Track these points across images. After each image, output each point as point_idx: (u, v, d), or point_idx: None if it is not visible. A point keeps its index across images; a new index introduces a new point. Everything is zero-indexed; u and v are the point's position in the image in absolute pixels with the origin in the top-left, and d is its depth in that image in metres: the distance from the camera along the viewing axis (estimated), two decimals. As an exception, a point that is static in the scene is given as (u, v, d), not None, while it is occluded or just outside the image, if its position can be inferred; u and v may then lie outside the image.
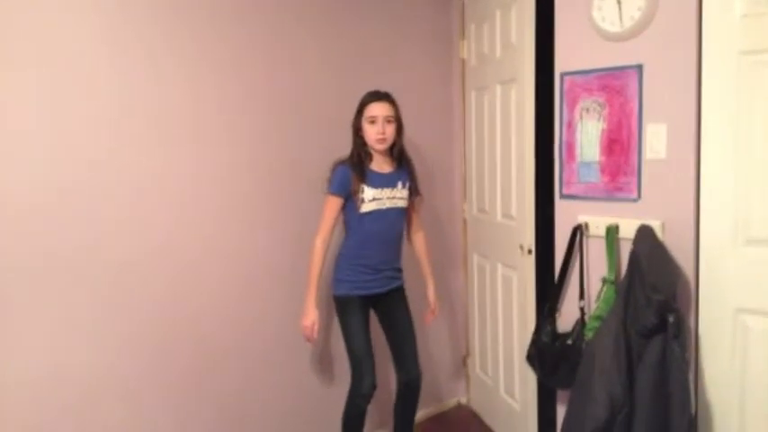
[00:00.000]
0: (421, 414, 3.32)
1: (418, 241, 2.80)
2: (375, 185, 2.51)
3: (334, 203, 2.50)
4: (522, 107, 2.73)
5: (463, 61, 3.33)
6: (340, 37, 2.88)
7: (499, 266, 3.05)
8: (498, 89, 2.95)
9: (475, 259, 3.35)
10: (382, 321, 2.69)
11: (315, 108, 2.81)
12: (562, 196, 2.48)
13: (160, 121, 2.35)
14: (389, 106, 2.53)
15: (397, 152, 2.59)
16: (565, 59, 2.43)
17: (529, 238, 2.77)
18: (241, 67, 2.56)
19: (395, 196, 2.56)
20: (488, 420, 3.30)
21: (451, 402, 3.54)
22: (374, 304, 2.64)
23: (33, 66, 2.06)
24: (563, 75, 2.43)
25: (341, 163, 2.52)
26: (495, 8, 2.92)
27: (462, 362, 3.54)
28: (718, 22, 2.01)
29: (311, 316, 2.48)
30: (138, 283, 2.33)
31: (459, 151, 3.41)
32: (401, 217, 2.62)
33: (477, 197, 3.26)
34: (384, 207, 2.53)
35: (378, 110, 2.49)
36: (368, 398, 2.52)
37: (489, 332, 3.21)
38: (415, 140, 3.21)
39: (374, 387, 2.52)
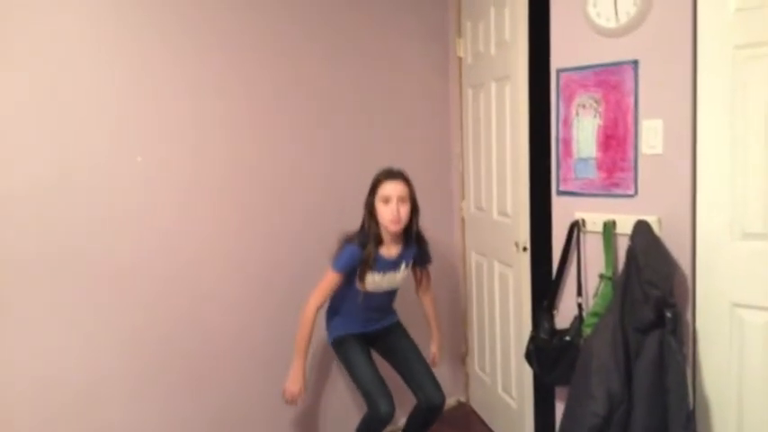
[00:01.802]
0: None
1: (426, 302, 2.77)
2: (379, 271, 2.47)
3: (336, 279, 2.42)
4: (517, 104, 2.73)
5: (460, 59, 3.33)
6: (338, 36, 2.88)
7: (496, 264, 3.05)
8: (493, 86, 2.95)
9: (473, 257, 3.35)
10: (385, 355, 2.67)
11: (314, 106, 2.81)
12: (559, 193, 2.48)
13: (158, 120, 2.35)
14: (404, 185, 2.44)
15: (414, 235, 2.54)
16: (560, 56, 2.43)
17: (524, 235, 2.77)
18: (239, 66, 2.56)
19: (395, 278, 2.54)
20: (487, 419, 3.30)
21: (451, 401, 3.53)
22: (372, 342, 2.62)
23: (29, 66, 2.06)
24: (559, 71, 2.43)
25: (350, 241, 2.43)
26: (490, 6, 2.92)
27: (461, 360, 3.54)
28: (712, 16, 2.01)
29: (299, 383, 2.41)
30: (137, 284, 2.33)
31: (457, 149, 3.41)
32: (396, 289, 2.62)
33: (475, 195, 3.26)
34: (381, 289, 2.52)
35: (392, 189, 2.41)
36: (385, 422, 2.42)
37: (487, 330, 3.21)
38: (413, 139, 3.22)
39: (392, 408, 2.40)
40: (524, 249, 2.76)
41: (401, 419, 2.77)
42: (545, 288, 2.54)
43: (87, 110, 2.18)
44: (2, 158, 2.02)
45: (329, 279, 2.43)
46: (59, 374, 2.17)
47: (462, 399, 3.56)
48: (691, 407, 1.95)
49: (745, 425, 2.04)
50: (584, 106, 2.36)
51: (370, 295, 2.51)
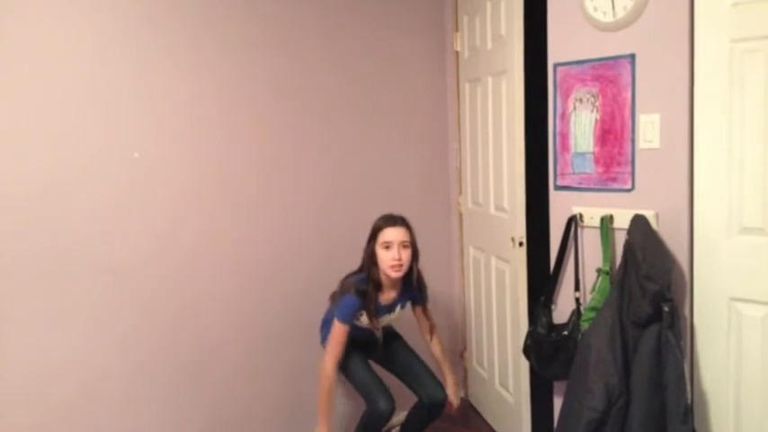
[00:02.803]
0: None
1: (433, 346, 2.74)
2: (376, 317, 2.48)
3: (345, 330, 2.42)
4: (513, 99, 2.72)
5: (457, 54, 3.32)
6: (335, 31, 2.87)
7: (493, 259, 3.05)
8: (490, 81, 2.95)
9: (471, 252, 3.34)
10: (384, 364, 2.68)
11: (313, 102, 2.81)
12: (556, 187, 2.47)
13: (154, 117, 2.34)
14: (405, 231, 2.45)
15: (416, 282, 2.55)
16: (557, 50, 2.42)
17: (520, 230, 2.76)
18: (235, 61, 2.55)
19: (391, 318, 2.57)
20: (485, 413, 3.31)
21: (449, 396, 3.54)
22: (369, 352, 2.63)
23: (26, 63, 2.05)
24: (556, 65, 2.42)
25: (350, 290, 2.43)
26: (487, 0, 2.91)
27: (460, 355, 3.54)
28: (709, 10, 2.00)
29: None
30: (135, 279, 2.33)
31: (454, 144, 3.40)
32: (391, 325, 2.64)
33: (472, 190, 3.25)
34: (380, 326, 2.52)
35: (393, 235, 2.42)
36: (386, 418, 2.45)
37: (484, 325, 3.21)
38: (410, 134, 3.21)
39: (392, 404, 2.42)
40: (520, 244, 2.76)
41: (401, 413, 2.76)
42: (543, 283, 2.54)
43: (83, 107, 2.18)
44: (-2, 156, 2.03)
45: (339, 332, 2.41)
46: (56, 371, 2.17)
47: (461, 394, 3.56)
48: (689, 401, 1.96)
49: (742, 419, 2.05)
50: (581, 101, 2.35)
51: (365, 333, 2.53)
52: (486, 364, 3.24)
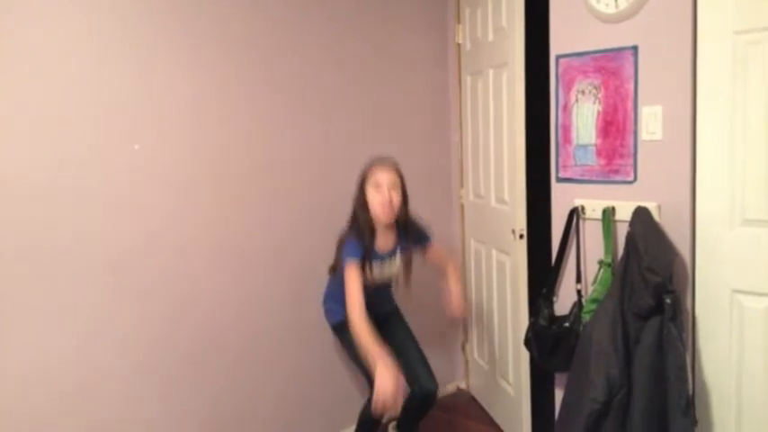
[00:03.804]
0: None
1: (449, 267, 2.68)
2: (377, 261, 2.46)
3: (357, 268, 2.33)
4: (514, 91, 2.71)
5: (459, 46, 3.31)
6: (337, 23, 2.86)
7: (494, 252, 3.05)
8: (491, 73, 2.94)
9: (472, 245, 3.35)
10: (383, 340, 2.62)
11: (313, 97, 2.80)
12: (558, 179, 2.47)
13: (151, 111, 2.34)
14: (394, 173, 2.42)
15: (403, 225, 2.50)
16: (560, 42, 2.42)
17: (520, 222, 2.76)
18: (234, 55, 2.54)
19: (393, 267, 2.54)
20: (485, 405, 3.32)
21: (451, 388, 3.55)
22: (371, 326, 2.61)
23: (23, 60, 2.05)
24: (558, 57, 2.42)
25: (347, 237, 2.41)
26: (489, -8, 2.90)
27: (461, 347, 3.55)
28: (712, 1, 1.99)
29: (393, 378, 2.10)
30: (134, 275, 2.33)
31: (456, 137, 3.40)
32: (392, 278, 2.59)
33: (474, 183, 3.25)
34: (380, 279, 2.51)
35: (382, 176, 2.40)
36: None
37: (485, 317, 3.22)
38: (412, 126, 3.20)
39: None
40: (521, 237, 2.76)
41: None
42: (544, 275, 2.54)
43: (80, 101, 2.17)
44: (-1, 149, 2.03)
45: (353, 272, 2.33)
46: (56, 367, 2.17)
47: (462, 385, 3.58)
48: (690, 393, 1.96)
49: (744, 411, 2.05)
50: (583, 92, 2.35)
51: (370, 285, 2.50)
52: (486, 356, 3.25)
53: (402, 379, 2.20)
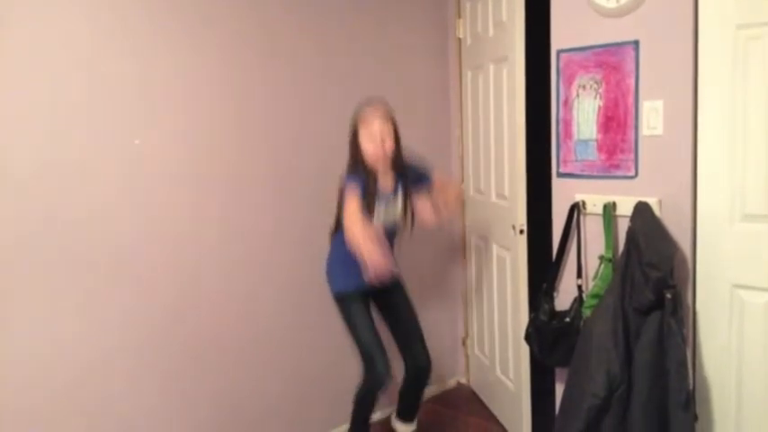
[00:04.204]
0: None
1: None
2: (380, 203, 2.45)
3: (358, 194, 2.32)
4: (514, 86, 2.71)
5: (459, 40, 3.30)
6: (337, 19, 2.86)
7: (494, 247, 3.05)
8: (491, 68, 2.93)
9: (473, 240, 3.35)
10: (382, 312, 2.67)
11: (312, 93, 2.80)
12: (559, 175, 2.47)
13: (155, 107, 2.34)
14: (384, 119, 2.41)
15: (398, 166, 2.49)
16: (561, 37, 2.41)
17: (520, 218, 2.76)
18: (231, 51, 2.54)
19: (396, 209, 2.52)
20: (486, 400, 3.32)
21: (451, 382, 3.56)
22: (373, 296, 2.61)
23: (21, 55, 2.05)
24: (559, 52, 2.41)
25: (348, 175, 2.41)
26: (489, -15, 2.89)
27: (462, 342, 3.55)
28: (714, -5, 1.99)
29: (380, 254, 2.15)
30: (135, 269, 2.33)
31: (457, 131, 3.39)
32: (395, 227, 2.57)
33: (474, 178, 3.25)
34: (386, 222, 2.49)
35: (372, 124, 2.39)
36: (383, 388, 2.47)
37: (486, 313, 3.22)
38: (412, 121, 3.19)
39: (390, 377, 2.45)
40: (521, 232, 2.76)
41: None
42: (545, 270, 2.54)
43: (80, 97, 2.17)
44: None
45: (352, 198, 2.31)
46: (57, 357, 2.17)
47: (462, 380, 3.58)
48: (690, 388, 1.96)
49: (744, 406, 2.05)
50: (584, 87, 2.34)
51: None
52: (487, 351, 3.25)
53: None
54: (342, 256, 2.47)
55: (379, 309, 2.66)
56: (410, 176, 2.55)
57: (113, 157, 2.26)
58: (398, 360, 2.61)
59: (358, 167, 2.42)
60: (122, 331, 2.32)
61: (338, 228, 2.50)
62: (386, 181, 2.48)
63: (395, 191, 2.51)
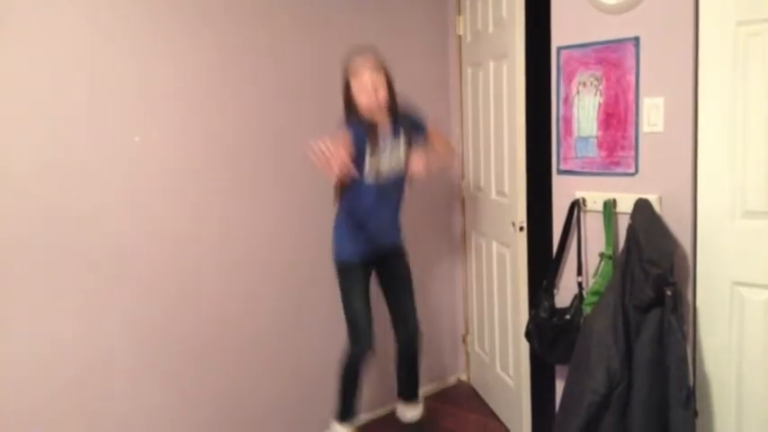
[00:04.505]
0: (422, 391, 3.34)
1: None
2: (376, 153, 2.42)
3: (344, 137, 2.27)
4: (514, 83, 2.70)
5: (459, 37, 3.30)
6: (338, 17, 2.86)
7: (494, 244, 3.05)
8: (491, 65, 2.93)
9: (473, 237, 3.35)
10: (381, 280, 2.67)
11: (313, 92, 2.79)
12: (559, 172, 2.47)
13: (155, 105, 2.34)
14: (377, 70, 2.38)
15: (395, 114, 2.46)
16: (561, 33, 2.40)
17: (520, 215, 2.76)
18: (230, 49, 2.54)
19: (399, 154, 2.48)
20: (486, 397, 3.32)
21: (451, 380, 3.56)
22: (375, 266, 2.61)
23: (19, 51, 2.05)
24: (559, 49, 2.40)
25: (347, 123, 2.39)
26: (489, -18, 2.89)
27: (462, 339, 3.55)
28: (715, -8, 1.98)
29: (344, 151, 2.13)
30: (135, 267, 2.33)
31: (457, 128, 3.39)
32: (401, 178, 2.53)
33: (474, 175, 3.25)
34: (384, 173, 2.45)
35: (363, 76, 2.35)
36: (364, 360, 2.53)
37: (486, 310, 3.22)
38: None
39: (371, 350, 2.50)
40: (521, 229, 2.76)
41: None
42: (545, 267, 2.54)
43: (80, 96, 2.17)
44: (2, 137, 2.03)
45: (341, 134, 2.29)
46: (55, 360, 2.17)
47: (463, 377, 3.59)
48: (691, 384, 1.96)
49: (744, 403, 2.05)
50: (584, 84, 2.34)
51: (380, 189, 2.45)
52: (487, 348, 3.25)
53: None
54: (343, 223, 2.50)
55: (379, 277, 2.67)
56: (404, 125, 2.52)
57: (113, 156, 2.26)
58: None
59: (353, 119, 2.40)
60: (122, 331, 2.32)
61: (341, 194, 2.50)
62: (385, 129, 2.46)
63: (396, 134, 2.48)
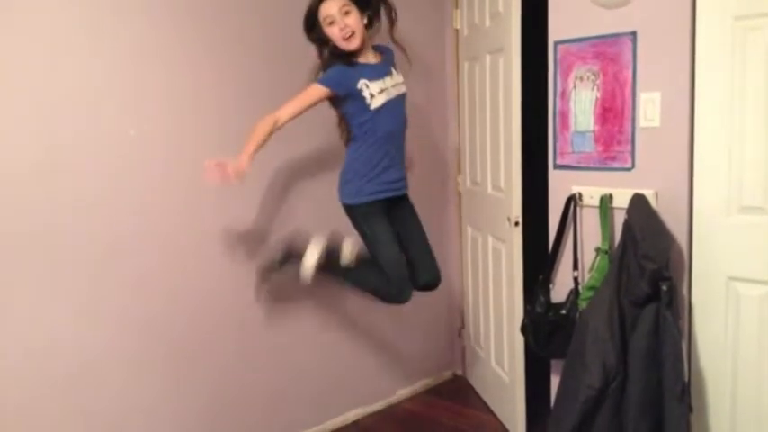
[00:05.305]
0: (417, 386, 3.35)
1: None
2: (375, 77, 2.25)
3: (316, 93, 2.19)
4: (510, 77, 2.69)
5: (456, 31, 3.29)
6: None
7: (490, 239, 3.05)
8: (488, 59, 2.92)
9: (469, 232, 3.34)
10: (395, 225, 2.44)
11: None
12: (556, 166, 2.47)
13: (137, 100, 2.32)
14: None
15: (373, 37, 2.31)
16: (558, 28, 2.40)
17: (516, 210, 2.75)
18: (233, 49, 2.53)
19: (397, 82, 2.34)
20: (481, 391, 3.33)
21: (447, 374, 3.56)
22: (388, 211, 2.41)
23: (16, 47, 2.04)
24: (556, 43, 2.40)
25: (327, 63, 2.24)
26: (486, -24, 2.88)
27: (458, 334, 3.56)
28: (713, -14, 1.98)
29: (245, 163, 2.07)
30: (133, 257, 2.32)
31: (454, 123, 3.38)
32: (405, 106, 2.41)
33: (471, 169, 3.25)
34: (393, 96, 2.29)
35: (330, 7, 2.17)
36: (400, 303, 2.39)
37: (482, 304, 3.22)
38: (409, 112, 3.17)
39: (410, 294, 2.37)
40: (516, 224, 2.75)
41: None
42: (541, 262, 2.54)
43: (76, 91, 2.17)
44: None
45: (309, 92, 2.19)
46: (51, 354, 2.16)
47: (458, 372, 3.59)
48: (686, 379, 1.97)
49: (739, 397, 2.06)
50: (581, 79, 2.33)
51: (388, 114, 2.29)
52: (482, 343, 3.26)
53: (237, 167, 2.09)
54: (358, 165, 2.32)
55: (392, 222, 2.44)
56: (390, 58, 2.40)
57: (110, 156, 2.25)
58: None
59: (332, 60, 2.24)
60: (119, 330, 2.31)
61: (350, 138, 2.36)
62: (368, 57, 2.30)
63: (386, 63, 2.35)
